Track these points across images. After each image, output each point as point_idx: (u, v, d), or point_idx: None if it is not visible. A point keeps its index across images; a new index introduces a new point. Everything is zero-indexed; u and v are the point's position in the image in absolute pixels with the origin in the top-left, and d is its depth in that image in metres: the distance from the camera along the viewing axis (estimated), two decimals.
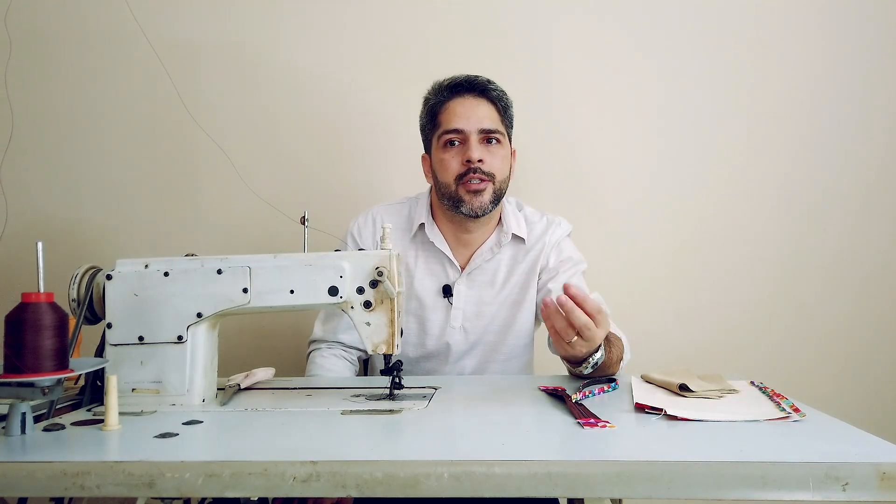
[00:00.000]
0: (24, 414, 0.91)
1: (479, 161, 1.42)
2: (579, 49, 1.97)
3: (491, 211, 1.46)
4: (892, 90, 1.94)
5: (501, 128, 1.47)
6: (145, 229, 2.03)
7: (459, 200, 1.45)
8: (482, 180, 1.43)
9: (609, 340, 1.27)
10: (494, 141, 1.45)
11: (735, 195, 1.96)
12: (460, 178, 1.44)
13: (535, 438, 0.90)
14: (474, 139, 1.43)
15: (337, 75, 1.99)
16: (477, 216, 1.46)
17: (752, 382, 1.20)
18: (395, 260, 1.12)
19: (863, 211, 1.95)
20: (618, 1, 1.96)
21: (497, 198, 1.46)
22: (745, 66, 1.95)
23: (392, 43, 1.98)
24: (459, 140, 1.45)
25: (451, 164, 1.45)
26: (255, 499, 0.96)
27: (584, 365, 1.19)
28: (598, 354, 1.18)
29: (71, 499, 0.99)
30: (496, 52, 1.96)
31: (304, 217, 1.19)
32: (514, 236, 1.53)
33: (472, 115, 1.44)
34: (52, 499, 0.99)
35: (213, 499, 1.01)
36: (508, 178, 1.50)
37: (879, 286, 1.96)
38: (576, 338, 1.07)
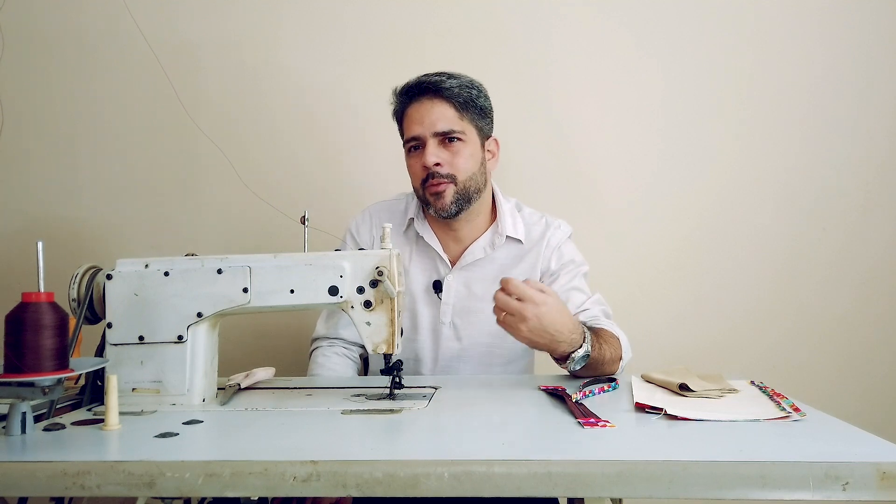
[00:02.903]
0: (24, 414, 0.91)
1: (437, 165, 1.42)
2: (579, 49, 1.96)
3: (456, 212, 1.46)
4: (892, 89, 1.94)
5: (460, 125, 1.43)
6: (145, 229, 2.03)
7: (427, 203, 1.47)
8: (442, 183, 1.43)
9: (601, 338, 1.28)
10: (456, 139, 1.43)
11: (735, 195, 1.96)
12: (424, 182, 1.45)
13: (535, 438, 0.90)
14: (431, 143, 1.42)
15: (336, 75, 1.99)
16: (443, 217, 1.47)
17: (752, 382, 1.20)
18: (395, 259, 1.12)
19: (863, 211, 1.95)
20: (618, 1, 1.96)
21: (463, 196, 1.45)
22: (745, 66, 1.95)
23: (391, 41, 1.98)
24: (419, 145, 1.45)
25: (415, 169, 1.47)
26: (255, 498, 0.96)
27: (568, 361, 1.21)
28: (581, 351, 1.20)
29: (71, 499, 0.99)
30: (496, 52, 1.96)
31: (304, 217, 1.19)
32: (510, 238, 1.52)
33: (426, 118, 1.43)
34: (52, 499, 0.99)
35: (213, 498, 1.01)
36: (481, 171, 1.48)
37: (879, 286, 1.95)
38: (504, 314, 1.15)
